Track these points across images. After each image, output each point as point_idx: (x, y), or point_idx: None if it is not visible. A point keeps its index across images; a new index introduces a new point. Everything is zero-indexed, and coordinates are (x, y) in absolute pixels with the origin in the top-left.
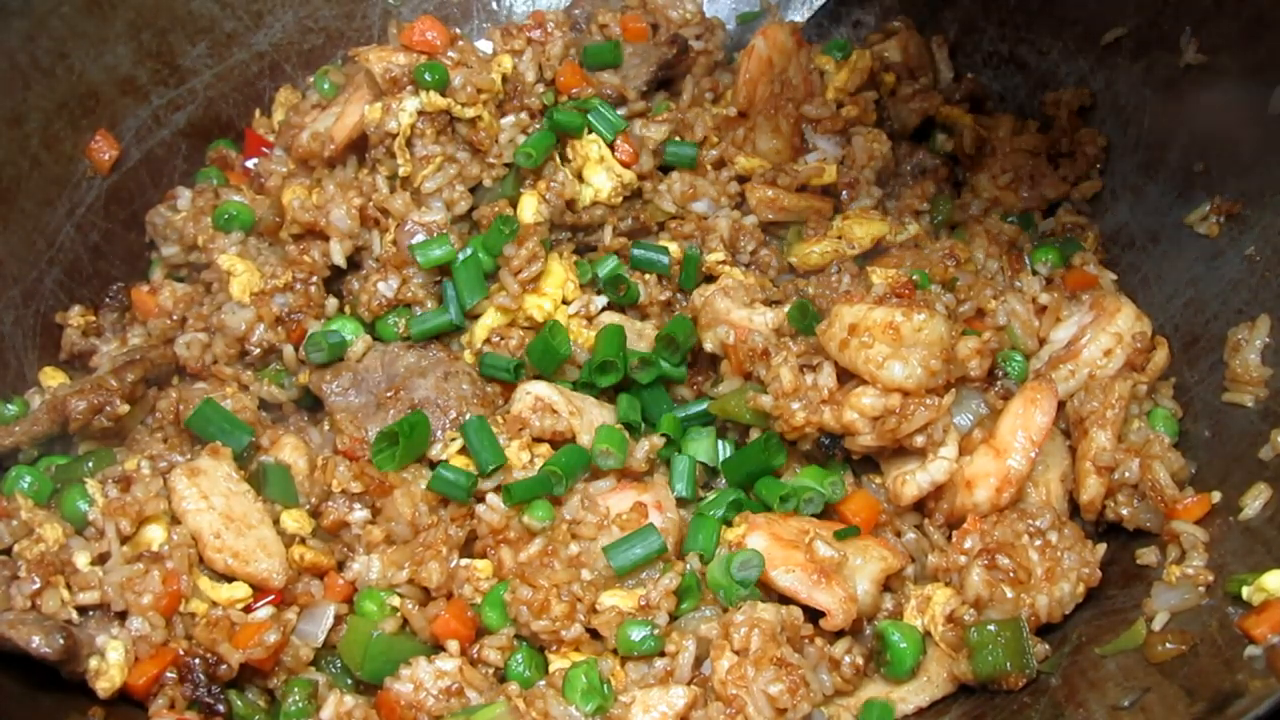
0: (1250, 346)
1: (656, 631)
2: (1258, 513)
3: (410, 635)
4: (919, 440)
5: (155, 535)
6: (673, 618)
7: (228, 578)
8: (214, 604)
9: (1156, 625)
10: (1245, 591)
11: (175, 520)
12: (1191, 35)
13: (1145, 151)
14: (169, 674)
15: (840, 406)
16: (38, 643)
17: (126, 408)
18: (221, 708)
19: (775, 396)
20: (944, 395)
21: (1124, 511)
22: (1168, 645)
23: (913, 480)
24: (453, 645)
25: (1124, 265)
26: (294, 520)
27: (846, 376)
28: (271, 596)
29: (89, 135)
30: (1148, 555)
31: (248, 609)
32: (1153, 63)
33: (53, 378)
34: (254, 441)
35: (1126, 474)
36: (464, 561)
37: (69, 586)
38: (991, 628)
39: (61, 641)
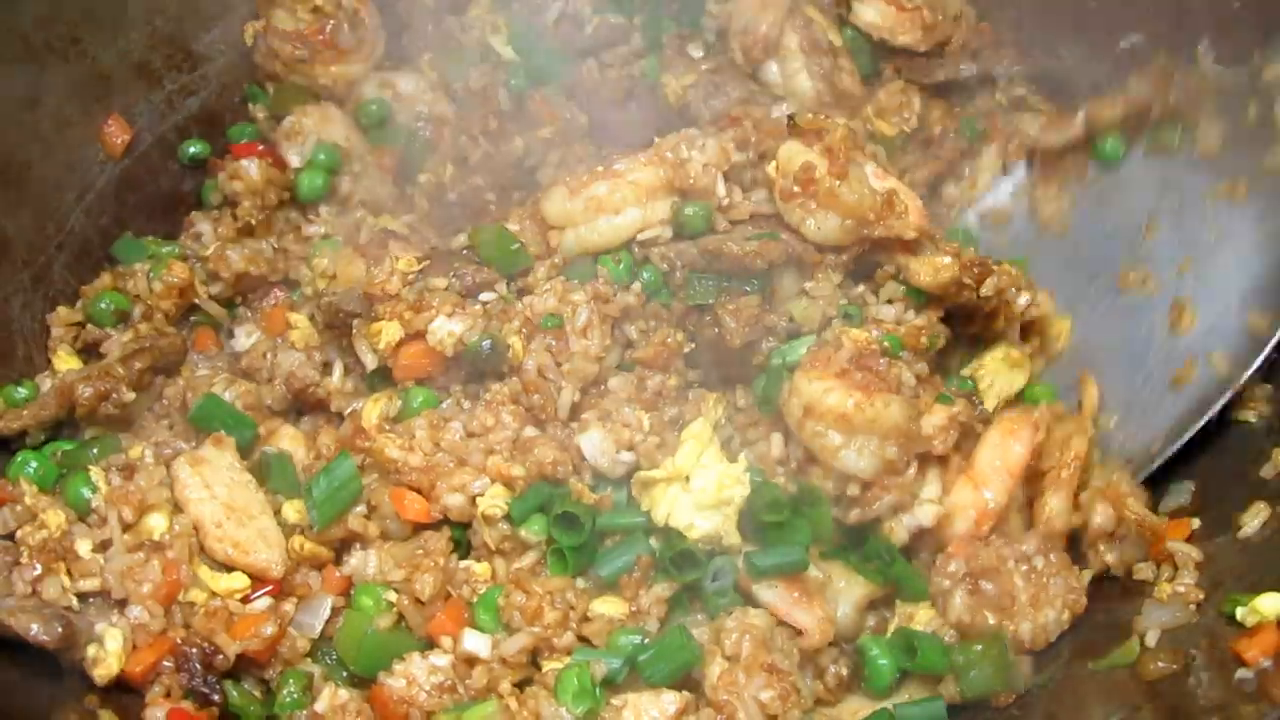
0: None
1: (646, 640)
2: (1256, 531)
3: (406, 631)
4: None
5: (157, 524)
6: (663, 624)
7: (227, 567)
8: (213, 594)
9: (1150, 642)
10: (1239, 612)
11: (177, 509)
12: (1209, 45)
13: None
14: (166, 663)
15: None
16: (36, 630)
17: (132, 395)
18: (217, 697)
19: None
20: (905, 472)
21: (1109, 558)
22: (1160, 664)
23: (901, 527)
24: (446, 641)
25: None
26: (295, 512)
27: None
28: (269, 587)
29: (101, 119)
30: (1144, 570)
31: (245, 599)
32: (1169, 71)
33: (65, 361)
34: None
35: (1099, 519)
36: (463, 564)
37: (70, 573)
38: (977, 647)
39: (60, 629)
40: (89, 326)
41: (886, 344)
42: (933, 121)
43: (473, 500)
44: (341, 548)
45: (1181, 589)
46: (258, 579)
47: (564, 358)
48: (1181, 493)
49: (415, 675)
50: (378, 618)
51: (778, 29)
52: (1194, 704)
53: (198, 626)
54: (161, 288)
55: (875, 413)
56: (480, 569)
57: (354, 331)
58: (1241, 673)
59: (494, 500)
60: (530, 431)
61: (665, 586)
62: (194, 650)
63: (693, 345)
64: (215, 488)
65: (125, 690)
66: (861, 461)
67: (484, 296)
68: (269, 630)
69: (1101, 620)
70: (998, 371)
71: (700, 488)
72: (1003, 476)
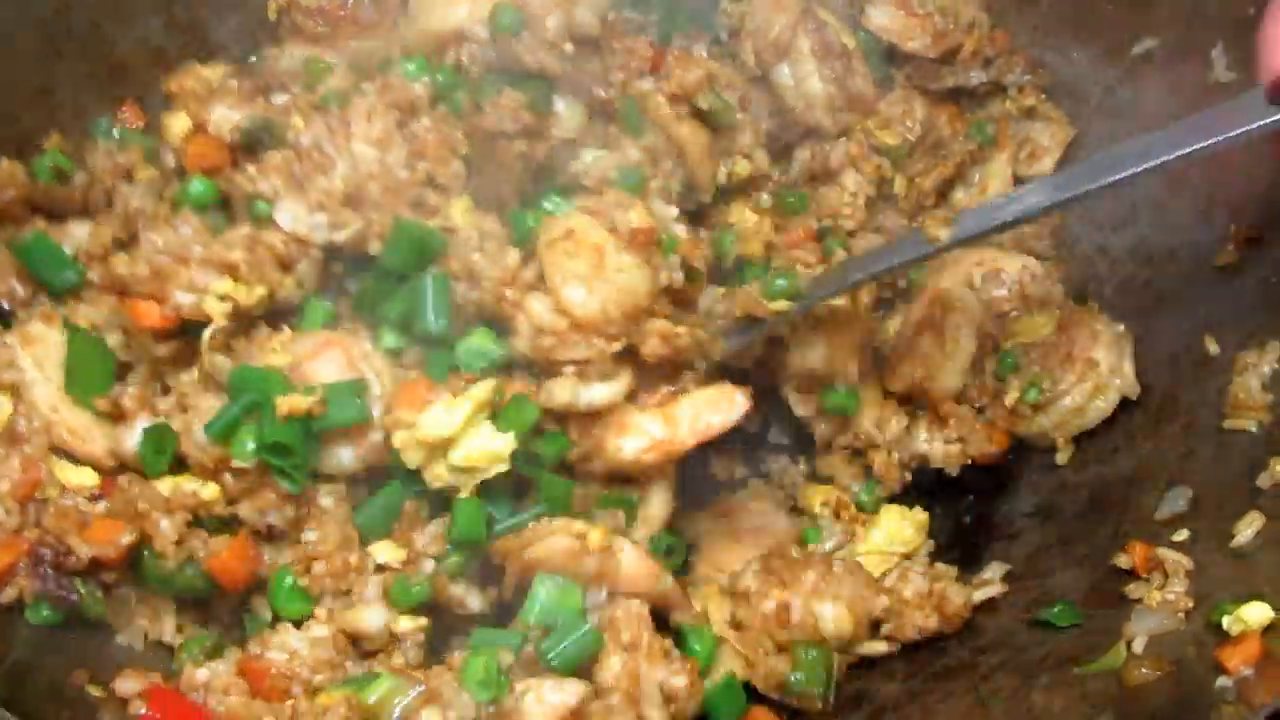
0: (1255, 372)
1: (422, 586)
2: (1249, 540)
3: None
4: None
5: (5, 406)
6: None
7: (72, 458)
8: (63, 489)
9: (1137, 648)
10: (1226, 621)
11: (16, 394)
12: (1223, 51)
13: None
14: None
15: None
16: None
17: None
18: (74, 597)
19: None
20: (607, 342)
21: None
22: (1143, 670)
23: (567, 388)
24: (321, 612)
25: (1139, 282)
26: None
27: None
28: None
29: (117, 106)
30: (1137, 588)
31: (93, 498)
32: (1182, 76)
33: None
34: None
35: None
36: (189, 488)
37: None
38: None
39: None
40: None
41: (663, 239)
42: (941, 125)
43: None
44: None
45: (1171, 596)
46: (98, 469)
47: (342, 137)
48: (1178, 500)
49: (296, 648)
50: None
51: (790, 31)
52: (1173, 709)
53: (49, 526)
54: (111, 165)
55: (627, 264)
56: (207, 491)
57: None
58: (1222, 680)
59: (218, 299)
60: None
61: (438, 524)
62: (46, 551)
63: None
64: (48, 368)
65: None
66: (585, 299)
67: (277, 98)
68: (125, 540)
69: (1091, 625)
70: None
71: (462, 455)
72: (691, 428)
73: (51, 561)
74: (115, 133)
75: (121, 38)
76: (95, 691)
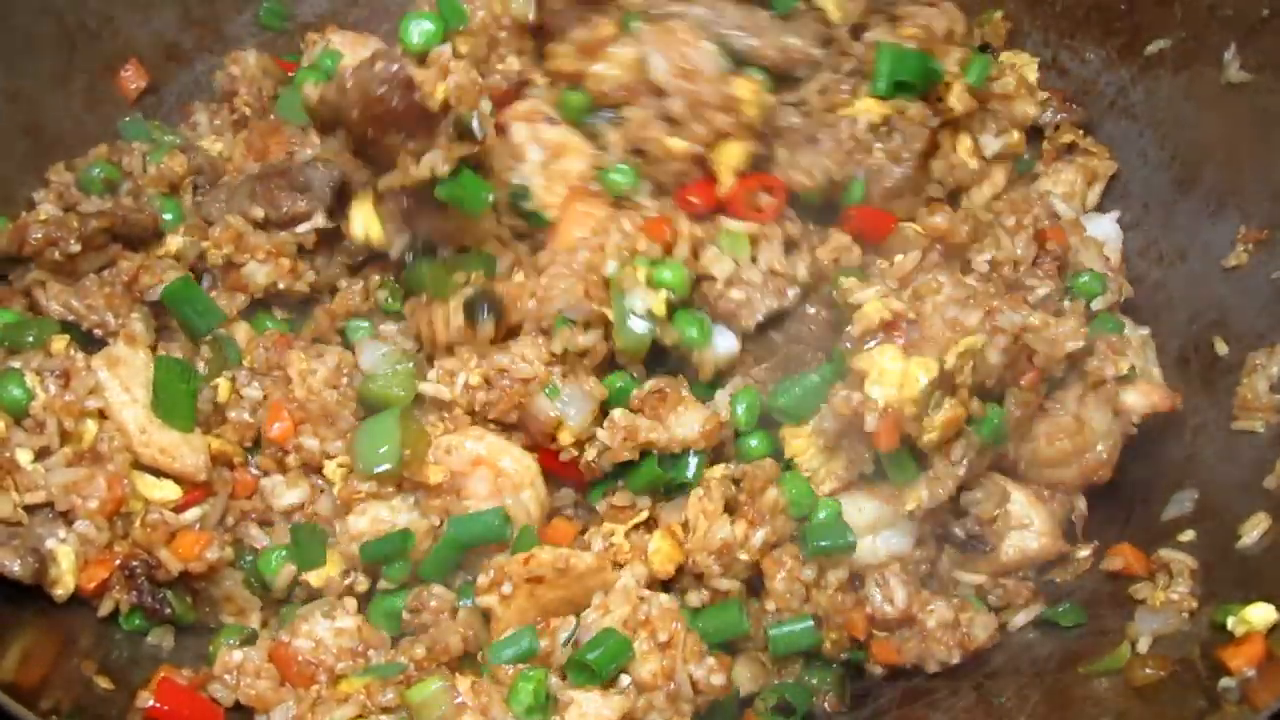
0: (1264, 373)
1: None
2: (1255, 542)
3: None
4: None
5: (91, 428)
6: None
7: (156, 472)
8: (147, 502)
9: (1141, 648)
10: (1230, 622)
11: (102, 414)
12: (1236, 52)
13: (1180, 167)
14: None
15: None
16: (8, 564)
17: (78, 247)
18: (168, 611)
19: None
20: None
21: None
22: (1148, 670)
23: None
24: (350, 603)
25: (1150, 283)
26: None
27: None
28: (205, 505)
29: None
30: (1141, 589)
31: (178, 509)
32: (1194, 77)
33: None
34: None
35: None
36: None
37: (16, 486)
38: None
39: (34, 563)
40: (74, 190)
41: None
42: None
43: (323, 456)
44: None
45: (1175, 596)
46: (185, 483)
47: None
48: (1184, 502)
49: (321, 636)
50: None
51: None
52: (1177, 710)
53: (137, 539)
54: (155, 172)
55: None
56: (361, 584)
57: None
58: (1225, 681)
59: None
60: None
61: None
62: (138, 564)
63: None
64: (134, 389)
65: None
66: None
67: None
68: (213, 555)
69: (1096, 626)
70: None
71: None
72: None
73: (144, 574)
74: (144, 125)
75: (136, 30)
76: (103, 683)
